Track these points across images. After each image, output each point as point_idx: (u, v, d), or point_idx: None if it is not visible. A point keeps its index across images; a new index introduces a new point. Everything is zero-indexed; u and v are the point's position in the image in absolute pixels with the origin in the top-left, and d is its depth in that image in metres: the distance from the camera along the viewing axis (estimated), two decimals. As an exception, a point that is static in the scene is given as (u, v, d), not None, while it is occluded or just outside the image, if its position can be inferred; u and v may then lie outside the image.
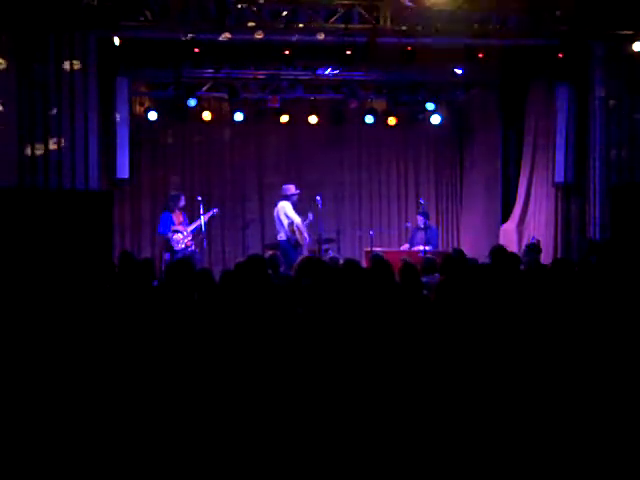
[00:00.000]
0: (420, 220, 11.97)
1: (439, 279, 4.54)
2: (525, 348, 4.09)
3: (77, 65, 9.57)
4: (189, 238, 11.26)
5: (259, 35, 9.42)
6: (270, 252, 9.32)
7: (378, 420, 3.60)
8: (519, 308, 4.75)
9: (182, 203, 11.41)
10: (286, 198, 11.58)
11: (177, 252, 11.05)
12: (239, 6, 9.46)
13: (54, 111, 9.56)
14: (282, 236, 11.43)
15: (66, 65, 9.54)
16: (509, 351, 4.05)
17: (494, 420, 3.60)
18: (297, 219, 11.41)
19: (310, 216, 11.63)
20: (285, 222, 11.41)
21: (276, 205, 11.66)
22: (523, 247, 10.81)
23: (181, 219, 11.37)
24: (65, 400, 3.78)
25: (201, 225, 11.30)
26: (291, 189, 11.65)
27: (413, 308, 4.82)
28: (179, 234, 11.18)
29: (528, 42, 10.50)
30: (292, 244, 11.34)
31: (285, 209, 11.47)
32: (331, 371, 3.96)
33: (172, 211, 11.31)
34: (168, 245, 11.22)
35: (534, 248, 9.46)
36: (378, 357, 4.06)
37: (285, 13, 9.59)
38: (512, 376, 3.87)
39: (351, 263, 6.16)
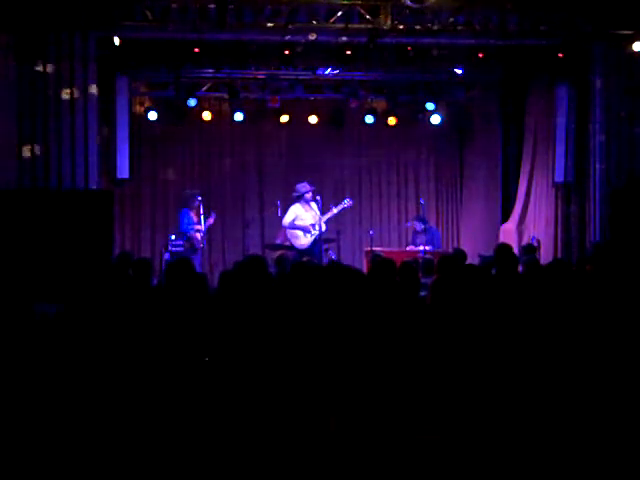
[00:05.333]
0: (418, 226, 12.01)
1: (434, 278, 4.54)
2: (521, 349, 4.09)
3: (77, 65, 9.56)
4: (204, 237, 11.38)
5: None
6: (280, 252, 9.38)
7: (375, 419, 3.61)
8: (516, 309, 4.75)
9: (197, 202, 11.45)
10: (297, 200, 11.59)
11: (175, 253, 11.01)
12: (239, 6, 9.47)
13: (54, 111, 9.55)
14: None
15: (66, 65, 9.53)
16: (505, 352, 4.05)
17: (491, 421, 3.60)
18: (286, 220, 11.46)
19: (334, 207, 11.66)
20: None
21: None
22: (522, 246, 10.83)
23: (196, 218, 11.43)
24: (63, 400, 3.78)
25: (202, 225, 11.37)
26: (300, 188, 11.63)
27: (409, 308, 4.83)
28: (199, 233, 11.26)
29: (528, 42, 10.49)
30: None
31: (288, 211, 11.53)
32: (328, 370, 3.96)
33: (191, 209, 11.36)
34: (170, 244, 11.21)
35: (529, 248, 9.47)
36: (375, 357, 4.06)
37: (285, 13, 9.58)
38: (508, 376, 3.88)
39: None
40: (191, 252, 11.00)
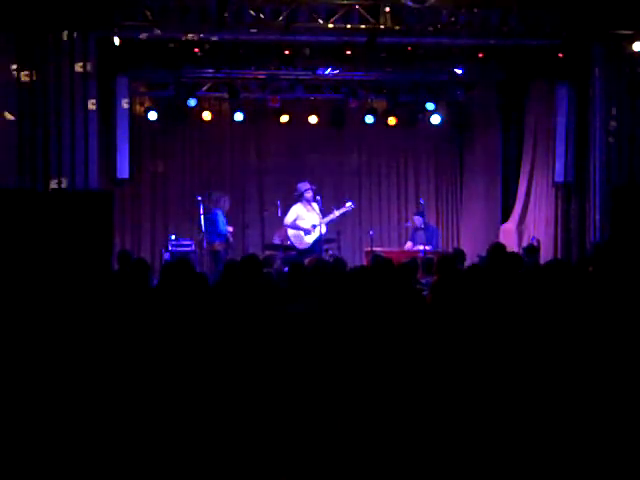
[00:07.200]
0: (418, 220, 12.02)
1: (435, 279, 4.54)
2: (522, 349, 4.09)
3: (77, 65, 9.56)
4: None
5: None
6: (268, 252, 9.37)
7: (373, 419, 3.60)
8: (515, 308, 4.75)
9: (227, 203, 11.52)
10: (298, 199, 11.58)
11: (174, 253, 11.04)
12: (239, 6, 9.47)
13: (53, 111, 9.55)
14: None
15: (66, 65, 9.53)
16: (504, 352, 4.05)
17: (491, 420, 3.60)
18: (287, 219, 11.45)
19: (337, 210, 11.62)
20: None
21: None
22: (523, 248, 10.83)
23: (226, 219, 11.49)
24: (63, 400, 3.78)
25: (202, 225, 11.37)
26: (300, 187, 11.61)
27: (408, 308, 4.82)
28: (229, 233, 11.34)
29: (528, 42, 10.50)
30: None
31: (290, 210, 11.53)
32: (327, 371, 3.96)
33: (222, 209, 11.38)
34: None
35: (532, 249, 9.47)
36: (372, 356, 4.06)
37: (285, 13, 9.58)
38: (508, 375, 3.88)
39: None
40: (227, 253, 11.07)
